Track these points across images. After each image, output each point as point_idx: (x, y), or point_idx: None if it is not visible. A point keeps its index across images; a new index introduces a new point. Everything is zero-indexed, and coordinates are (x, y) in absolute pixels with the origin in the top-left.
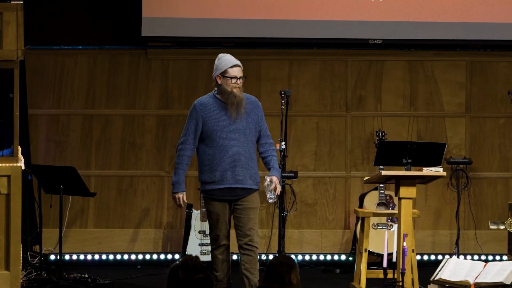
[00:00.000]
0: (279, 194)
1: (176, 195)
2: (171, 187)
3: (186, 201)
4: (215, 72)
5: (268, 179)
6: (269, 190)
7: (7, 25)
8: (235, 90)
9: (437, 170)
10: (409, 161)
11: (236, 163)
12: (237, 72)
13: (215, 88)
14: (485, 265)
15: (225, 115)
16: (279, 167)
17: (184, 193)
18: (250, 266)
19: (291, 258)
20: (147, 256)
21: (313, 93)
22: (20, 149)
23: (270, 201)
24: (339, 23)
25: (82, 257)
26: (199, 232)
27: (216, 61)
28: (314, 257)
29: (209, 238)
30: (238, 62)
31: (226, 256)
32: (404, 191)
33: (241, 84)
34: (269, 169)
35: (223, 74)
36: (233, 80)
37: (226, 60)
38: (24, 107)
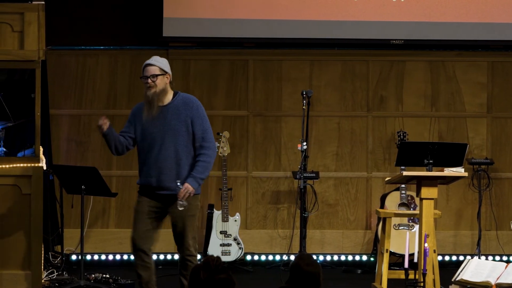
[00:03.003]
0: (184, 201)
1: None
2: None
3: (105, 122)
4: None
5: (180, 186)
6: (179, 196)
7: (29, 26)
8: (146, 91)
9: (459, 171)
10: (431, 161)
11: (161, 169)
12: (147, 71)
13: None
14: (506, 266)
15: (150, 119)
16: (301, 167)
17: (108, 122)
18: (187, 273)
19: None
20: (168, 256)
21: (334, 94)
22: (41, 149)
23: (178, 208)
24: (361, 23)
25: (103, 257)
26: (220, 232)
27: None
28: (336, 258)
29: (230, 238)
30: (151, 61)
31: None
32: (426, 191)
33: (155, 82)
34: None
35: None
36: (144, 80)
37: (143, 64)
38: (45, 107)
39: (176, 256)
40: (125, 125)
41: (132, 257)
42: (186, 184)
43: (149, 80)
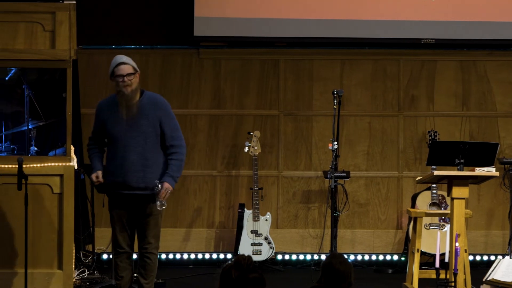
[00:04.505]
0: (163, 201)
1: (91, 176)
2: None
3: (100, 177)
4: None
5: (159, 185)
6: (158, 196)
7: (60, 25)
8: (123, 90)
9: (490, 170)
10: (462, 161)
11: (127, 169)
12: (122, 70)
13: None
14: None
15: (119, 118)
16: (332, 167)
17: (99, 171)
18: (145, 272)
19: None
20: (199, 256)
21: (365, 93)
22: (73, 148)
23: (158, 208)
24: (391, 22)
25: (134, 256)
26: (251, 231)
27: None
28: (366, 257)
29: (261, 237)
30: (124, 60)
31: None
32: (457, 191)
33: (131, 81)
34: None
35: (112, 76)
36: (119, 79)
37: (113, 61)
38: (77, 107)
39: (207, 255)
40: (95, 125)
41: (163, 256)
42: (167, 184)
43: (126, 79)
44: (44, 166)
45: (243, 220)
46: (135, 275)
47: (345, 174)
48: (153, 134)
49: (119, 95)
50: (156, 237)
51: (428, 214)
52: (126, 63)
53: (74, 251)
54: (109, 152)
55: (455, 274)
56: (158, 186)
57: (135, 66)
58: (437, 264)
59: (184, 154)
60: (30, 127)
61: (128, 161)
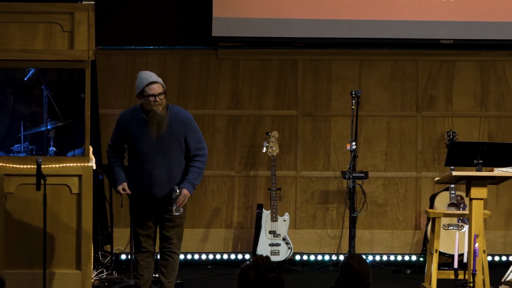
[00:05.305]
0: (181, 206)
1: (117, 188)
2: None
3: (127, 189)
4: (136, 91)
5: (177, 191)
6: (175, 202)
7: (79, 25)
8: (155, 109)
9: (509, 171)
10: (480, 161)
11: (153, 182)
12: (154, 89)
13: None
14: None
15: (146, 135)
16: (350, 167)
17: (125, 183)
18: (167, 271)
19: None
20: (218, 256)
21: (383, 93)
22: (91, 148)
23: (174, 213)
24: (410, 23)
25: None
26: (269, 232)
27: (136, 80)
28: (385, 258)
29: (280, 238)
30: (154, 79)
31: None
32: (475, 191)
33: (162, 100)
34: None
35: (142, 93)
36: (151, 99)
37: (143, 79)
38: (95, 107)
39: (225, 256)
40: (117, 133)
41: (181, 256)
42: (185, 191)
43: (157, 99)
44: (62, 166)
45: (261, 221)
46: (155, 275)
47: (363, 175)
48: (178, 150)
49: (151, 114)
50: (179, 238)
51: (446, 215)
52: (157, 82)
53: (92, 251)
54: (133, 166)
55: (474, 275)
56: (176, 192)
57: (163, 84)
58: (456, 265)
59: (205, 162)
60: (48, 127)
61: (154, 178)
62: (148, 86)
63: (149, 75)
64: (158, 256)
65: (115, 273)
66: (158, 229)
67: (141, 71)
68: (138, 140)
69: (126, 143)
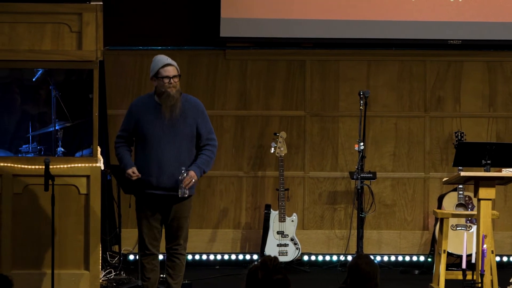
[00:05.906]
0: (188, 188)
1: (127, 171)
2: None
3: (137, 172)
4: (150, 74)
5: (184, 173)
6: (182, 183)
7: (87, 26)
8: (169, 90)
9: None
10: (489, 162)
11: (162, 170)
12: (168, 71)
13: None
14: None
15: (158, 118)
16: (358, 167)
17: (134, 167)
18: (174, 272)
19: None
20: (226, 257)
21: (391, 94)
22: (99, 149)
23: (179, 196)
24: (418, 23)
25: (160, 257)
26: (277, 232)
27: (151, 63)
28: (393, 258)
29: (287, 238)
30: (170, 61)
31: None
32: (484, 192)
33: (176, 83)
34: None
35: (156, 75)
36: (166, 80)
37: (158, 61)
38: (103, 108)
39: (233, 256)
40: (127, 123)
41: (189, 257)
42: (192, 173)
43: (172, 81)
44: (70, 167)
45: (269, 221)
46: (162, 275)
47: (371, 175)
48: (189, 136)
49: (164, 96)
50: (185, 239)
51: (454, 215)
52: (172, 65)
53: (100, 251)
54: (141, 152)
55: (482, 275)
56: (183, 174)
57: (178, 68)
58: (464, 265)
59: (215, 153)
60: (57, 128)
61: (163, 162)
62: (163, 68)
63: (165, 58)
64: (162, 256)
65: (123, 273)
66: (163, 230)
67: (156, 55)
68: (150, 125)
69: (136, 132)
